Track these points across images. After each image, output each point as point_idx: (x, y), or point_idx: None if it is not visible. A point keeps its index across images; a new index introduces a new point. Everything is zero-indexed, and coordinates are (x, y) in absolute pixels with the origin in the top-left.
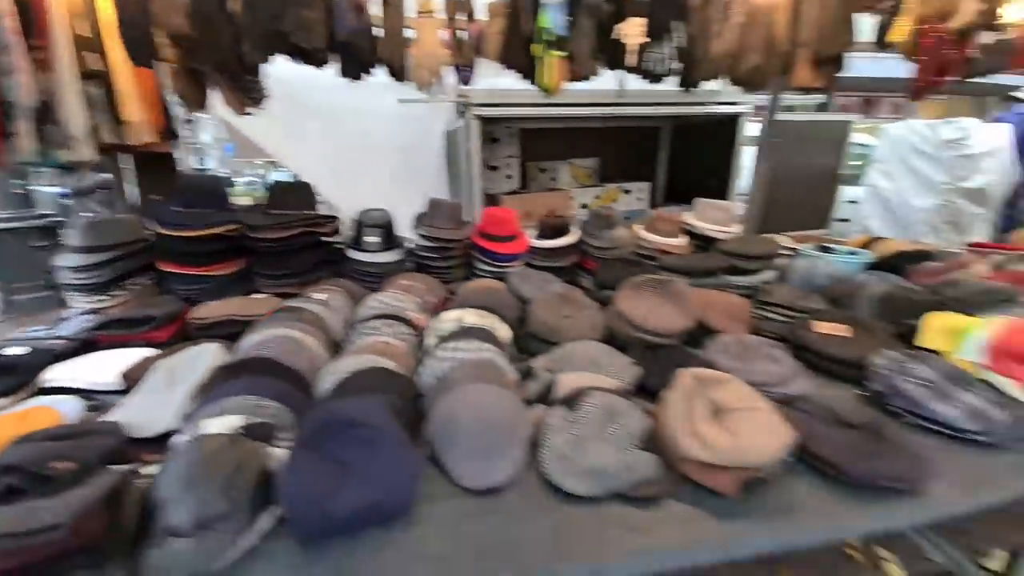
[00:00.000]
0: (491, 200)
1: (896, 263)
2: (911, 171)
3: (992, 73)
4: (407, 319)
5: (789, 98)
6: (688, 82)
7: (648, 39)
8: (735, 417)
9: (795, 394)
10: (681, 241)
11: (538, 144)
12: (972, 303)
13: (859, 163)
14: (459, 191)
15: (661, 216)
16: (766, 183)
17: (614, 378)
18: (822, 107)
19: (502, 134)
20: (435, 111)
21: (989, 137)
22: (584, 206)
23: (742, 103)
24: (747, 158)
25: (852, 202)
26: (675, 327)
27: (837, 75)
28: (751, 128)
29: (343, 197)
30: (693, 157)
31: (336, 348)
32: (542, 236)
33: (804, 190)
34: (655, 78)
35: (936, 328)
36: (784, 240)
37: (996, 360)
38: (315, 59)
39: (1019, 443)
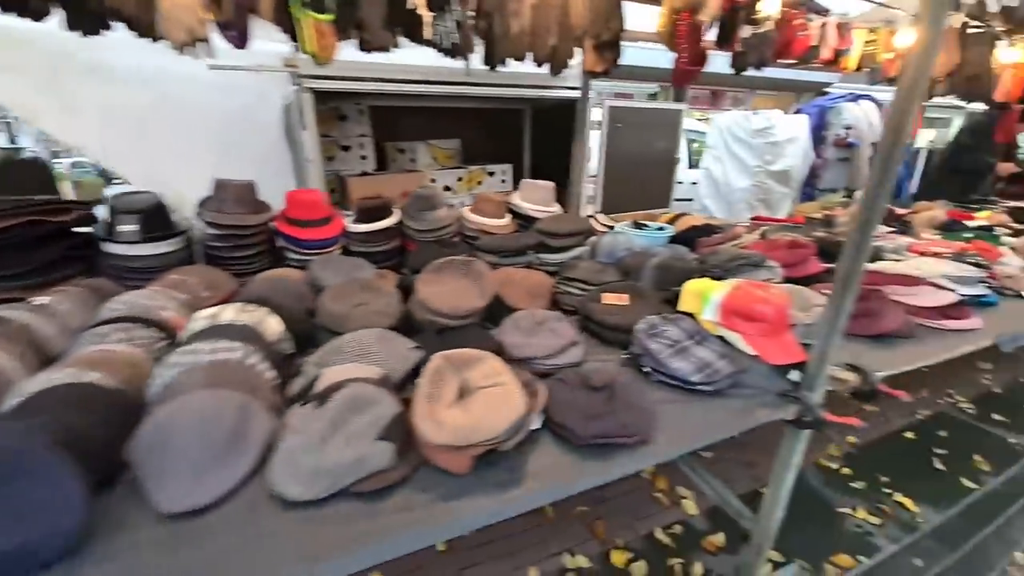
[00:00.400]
0: (341, 182)
1: (689, 236)
2: (732, 156)
3: (760, 66)
4: (157, 321)
5: (625, 86)
6: (490, 61)
7: (431, 11)
8: (477, 396)
9: (565, 363)
10: (504, 221)
11: (396, 123)
12: (725, 269)
13: (700, 149)
14: (304, 173)
15: (484, 197)
16: (610, 166)
17: (384, 366)
18: (652, 96)
19: (350, 111)
20: (272, 81)
21: (791, 126)
22: (447, 188)
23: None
24: (595, 142)
25: (694, 183)
26: (467, 307)
27: (616, 60)
28: (597, 113)
29: (146, 178)
30: (552, 140)
31: (50, 362)
32: (359, 220)
33: (645, 173)
34: (445, 52)
35: (689, 292)
36: (604, 219)
37: (725, 317)
38: (32, 9)
39: (737, 389)
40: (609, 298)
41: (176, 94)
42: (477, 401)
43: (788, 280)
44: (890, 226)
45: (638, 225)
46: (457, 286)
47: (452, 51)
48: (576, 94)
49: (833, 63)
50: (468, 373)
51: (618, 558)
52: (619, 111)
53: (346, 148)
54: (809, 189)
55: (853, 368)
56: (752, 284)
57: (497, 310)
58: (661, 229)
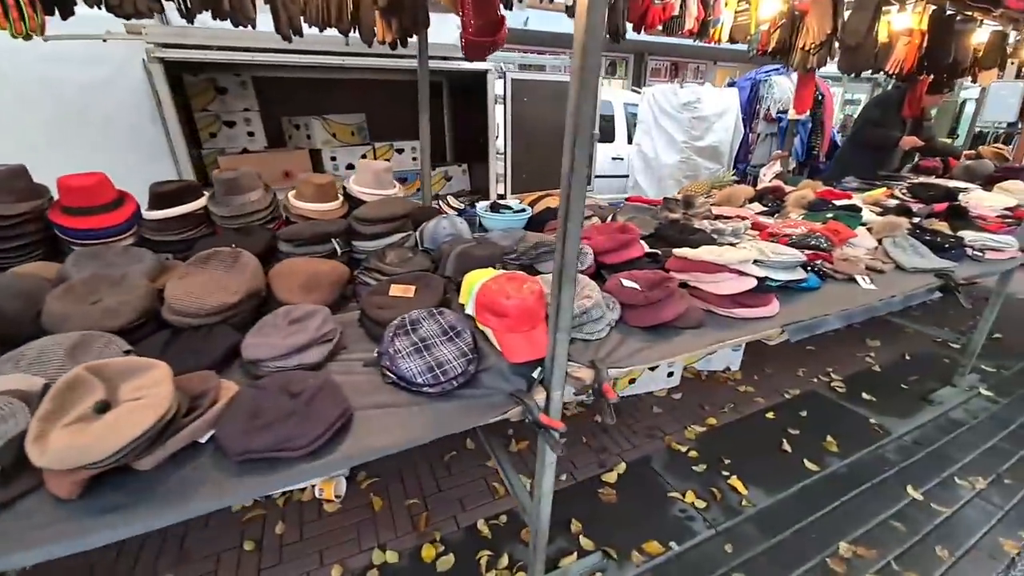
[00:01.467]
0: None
1: (543, 218)
2: (661, 130)
3: (615, 37)
4: None
5: (536, 58)
6: (279, 28)
7: None
8: (115, 411)
9: (298, 364)
10: (331, 206)
11: (291, 96)
12: (530, 257)
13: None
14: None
15: (307, 179)
16: (517, 142)
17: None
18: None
19: (229, 83)
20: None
21: (720, 100)
22: (350, 167)
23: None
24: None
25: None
26: (213, 305)
27: (417, 29)
28: (499, 86)
29: None
30: (471, 116)
31: None
32: (153, 205)
33: (560, 148)
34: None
35: (465, 284)
36: (454, 201)
37: (479, 311)
38: None
39: (469, 389)
40: (396, 290)
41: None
42: (108, 418)
43: (604, 266)
44: (766, 206)
45: (496, 207)
46: (214, 280)
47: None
48: (485, 66)
49: (701, 34)
50: (123, 384)
51: (428, 552)
52: (523, 84)
53: (230, 124)
54: (743, 165)
55: (592, 365)
56: (508, 277)
57: (272, 306)
58: (523, 210)
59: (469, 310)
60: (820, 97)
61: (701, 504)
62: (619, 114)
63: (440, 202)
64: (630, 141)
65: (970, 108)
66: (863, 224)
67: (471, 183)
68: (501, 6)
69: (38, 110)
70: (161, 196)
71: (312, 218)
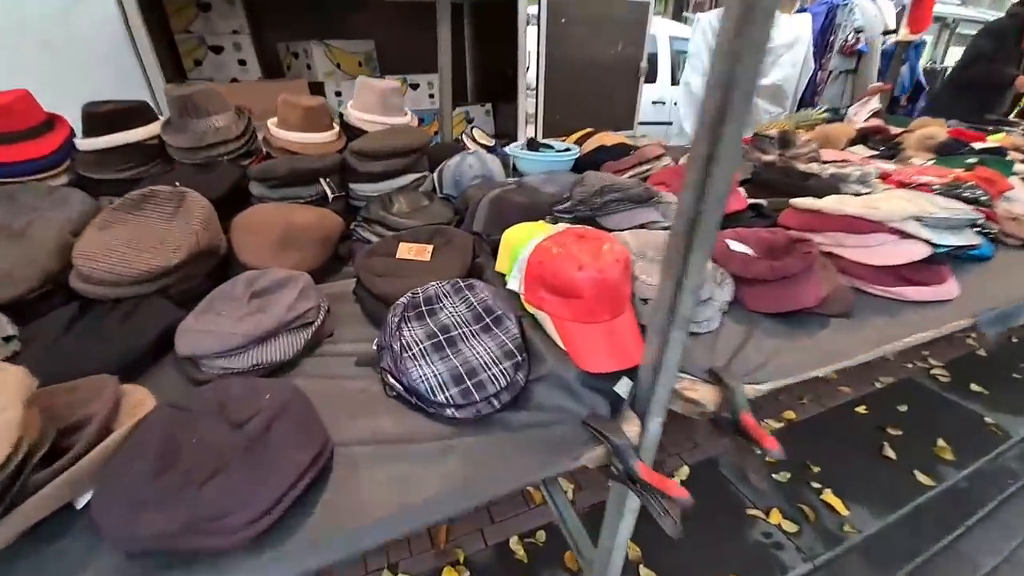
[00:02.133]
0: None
1: (597, 159)
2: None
3: None
4: None
5: None
6: None
7: None
8: None
9: (245, 367)
10: (323, 137)
11: (288, 18)
12: (591, 207)
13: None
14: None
15: (289, 101)
16: (551, 76)
17: None
18: None
19: None
20: None
21: (789, 29)
22: None
23: None
24: (532, 44)
25: (676, 104)
26: (140, 270)
27: None
28: (532, 7)
29: None
30: (496, 44)
31: None
32: (90, 132)
33: (601, 86)
34: None
35: (506, 245)
36: (482, 136)
37: (529, 288)
38: None
39: (515, 413)
40: (405, 250)
41: None
42: None
43: None
44: (875, 149)
45: (534, 146)
46: (147, 231)
47: None
48: None
49: None
50: None
51: None
52: (561, 3)
53: (216, 49)
54: (809, 110)
55: (716, 379)
56: (578, 235)
57: (235, 271)
58: (568, 150)
59: (513, 284)
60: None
61: (791, 527)
62: (663, 50)
63: (464, 137)
64: (674, 82)
65: None
66: (1015, 174)
67: (496, 126)
68: None
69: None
70: (97, 119)
71: (298, 152)
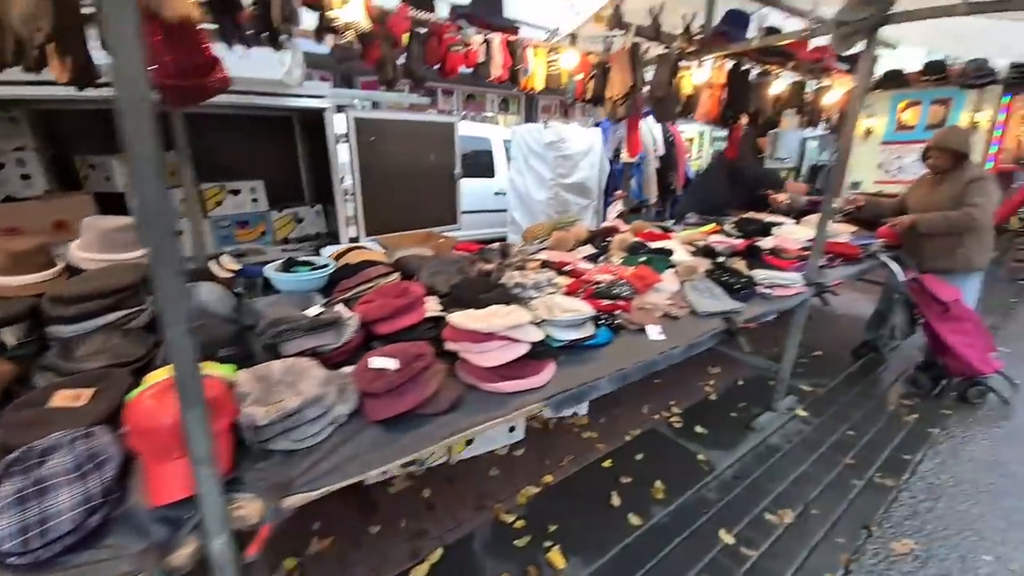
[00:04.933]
0: None
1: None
2: (531, 168)
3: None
4: None
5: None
6: None
7: None
8: None
9: None
10: (31, 278)
11: (87, 131)
12: (271, 336)
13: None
14: None
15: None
16: (368, 183)
17: None
18: (415, 107)
19: None
20: None
21: (584, 139)
22: None
23: (326, 97)
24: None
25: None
26: None
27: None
28: (340, 125)
29: None
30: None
31: None
32: None
33: (420, 189)
34: None
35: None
36: (229, 262)
37: (132, 438)
38: None
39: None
40: (61, 398)
41: None
42: None
43: (378, 338)
44: (597, 247)
45: (290, 265)
46: None
47: None
48: (324, 103)
49: (512, 82)
50: None
51: None
52: (368, 123)
53: None
54: (611, 199)
55: (271, 492)
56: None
57: None
58: (325, 266)
59: None
60: (671, 139)
61: None
62: (498, 150)
63: (212, 264)
64: None
65: (810, 145)
66: (672, 267)
67: (328, 225)
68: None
69: None
70: None
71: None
